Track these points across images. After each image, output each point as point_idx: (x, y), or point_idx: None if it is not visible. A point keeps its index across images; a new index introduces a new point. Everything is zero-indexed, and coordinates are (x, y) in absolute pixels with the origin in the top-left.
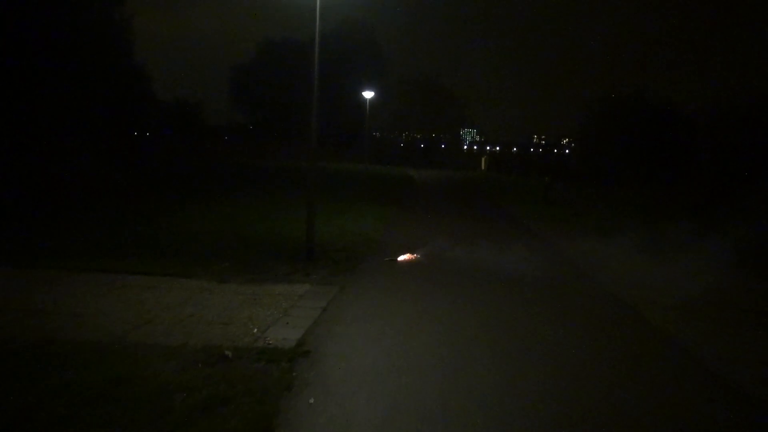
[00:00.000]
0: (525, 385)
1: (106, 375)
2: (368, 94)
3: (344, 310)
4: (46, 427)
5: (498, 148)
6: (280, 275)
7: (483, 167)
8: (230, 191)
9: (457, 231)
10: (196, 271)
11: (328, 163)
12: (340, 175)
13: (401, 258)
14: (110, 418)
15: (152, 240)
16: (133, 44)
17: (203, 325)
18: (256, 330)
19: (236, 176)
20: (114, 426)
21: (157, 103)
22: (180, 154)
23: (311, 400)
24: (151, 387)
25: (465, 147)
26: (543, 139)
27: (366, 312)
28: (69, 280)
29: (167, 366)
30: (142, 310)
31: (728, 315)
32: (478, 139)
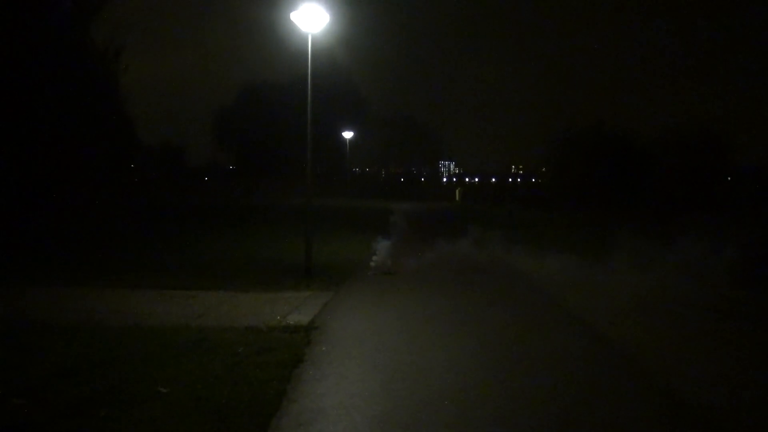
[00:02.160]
0: (465, 342)
1: (190, 338)
2: (348, 134)
3: (339, 305)
4: (170, 358)
5: (477, 179)
6: (287, 286)
7: (457, 198)
8: (226, 226)
9: (427, 251)
10: (222, 285)
11: (314, 200)
12: (325, 210)
13: (381, 272)
14: (205, 355)
15: (178, 265)
16: (125, 95)
17: (240, 316)
18: (279, 317)
19: (228, 213)
20: (210, 357)
21: (143, 147)
22: (167, 194)
23: (323, 348)
24: (222, 343)
25: (444, 179)
26: (521, 169)
27: (355, 306)
28: (130, 293)
29: (226, 335)
30: (192, 310)
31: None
32: (456, 171)
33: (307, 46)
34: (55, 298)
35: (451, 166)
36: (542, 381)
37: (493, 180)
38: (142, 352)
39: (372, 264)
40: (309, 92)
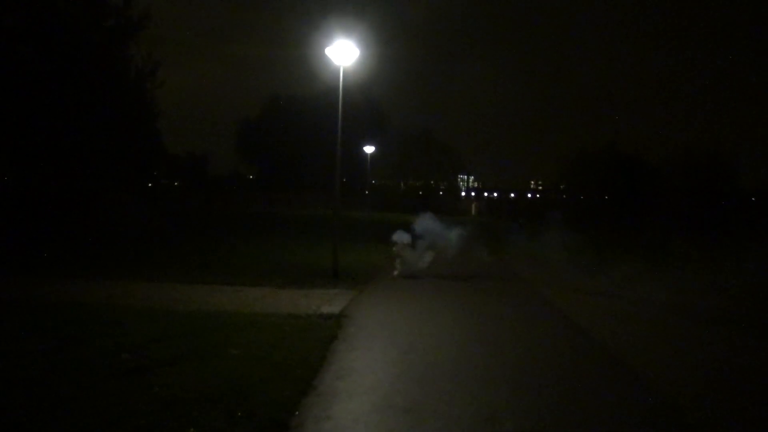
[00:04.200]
0: (466, 328)
1: (243, 320)
2: (369, 149)
3: (363, 300)
4: (232, 333)
5: (495, 194)
6: (318, 285)
7: (474, 212)
8: (253, 235)
9: (440, 258)
10: (260, 283)
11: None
12: (347, 222)
13: (399, 275)
14: (259, 331)
15: (220, 266)
16: (157, 110)
17: (281, 306)
18: (314, 307)
19: (252, 222)
20: (263, 333)
21: (168, 156)
22: (191, 202)
23: (352, 330)
24: (270, 324)
25: (463, 193)
26: (540, 185)
27: (377, 301)
28: (184, 287)
29: (273, 319)
30: (240, 301)
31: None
32: (475, 185)
33: (339, 78)
34: (126, 289)
35: (470, 180)
36: (526, 356)
37: (512, 195)
38: (209, 328)
39: (391, 268)
40: (339, 120)
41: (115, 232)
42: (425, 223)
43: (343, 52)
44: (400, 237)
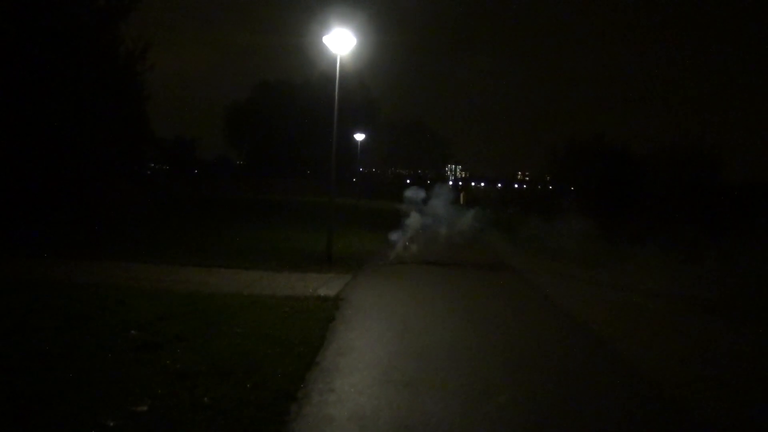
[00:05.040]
0: (456, 309)
1: (244, 301)
2: (359, 137)
3: (358, 284)
4: (235, 312)
5: (483, 183)
6: (313, 269)
7: (462, 201)
8: (246, 220)
9: (430, 244)
10: (256, 267)
11: (322, 198)
12: (336, 209)
13: (390, 260)
14: (260, 311)
15: (215, 250)
16: (146, 93)
17: (279, 289)
18: (311, 290)
19: (241, 208)
20: (264, 313)
21: (155, 140)
22: (179, 187)
23: (349, 312)
24: (271, 305)
25: (451, 182)
26: (526, 176)
27: (371, 285)
28: (182, 269)
29: (272, 300)
30: (238, 283)
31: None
32: (463, 175)
33: (335, 67)
34: (124, 271)
35: (458, 170)
36: (516, 337)
37: (499, 185)
38: (211, 308)
39: (382, 254)
40: (336, 109)
41: (107, 216)
42: (412, 212)
43: (341, 41)
44: (388, 225)
